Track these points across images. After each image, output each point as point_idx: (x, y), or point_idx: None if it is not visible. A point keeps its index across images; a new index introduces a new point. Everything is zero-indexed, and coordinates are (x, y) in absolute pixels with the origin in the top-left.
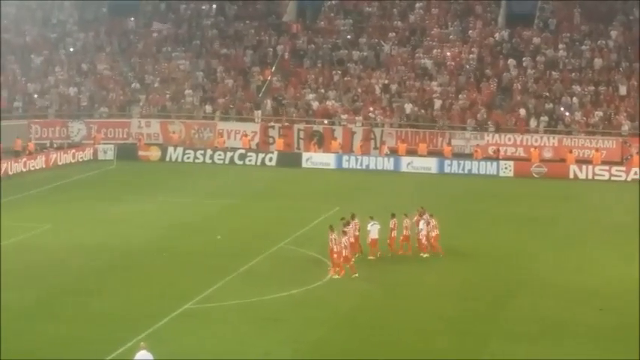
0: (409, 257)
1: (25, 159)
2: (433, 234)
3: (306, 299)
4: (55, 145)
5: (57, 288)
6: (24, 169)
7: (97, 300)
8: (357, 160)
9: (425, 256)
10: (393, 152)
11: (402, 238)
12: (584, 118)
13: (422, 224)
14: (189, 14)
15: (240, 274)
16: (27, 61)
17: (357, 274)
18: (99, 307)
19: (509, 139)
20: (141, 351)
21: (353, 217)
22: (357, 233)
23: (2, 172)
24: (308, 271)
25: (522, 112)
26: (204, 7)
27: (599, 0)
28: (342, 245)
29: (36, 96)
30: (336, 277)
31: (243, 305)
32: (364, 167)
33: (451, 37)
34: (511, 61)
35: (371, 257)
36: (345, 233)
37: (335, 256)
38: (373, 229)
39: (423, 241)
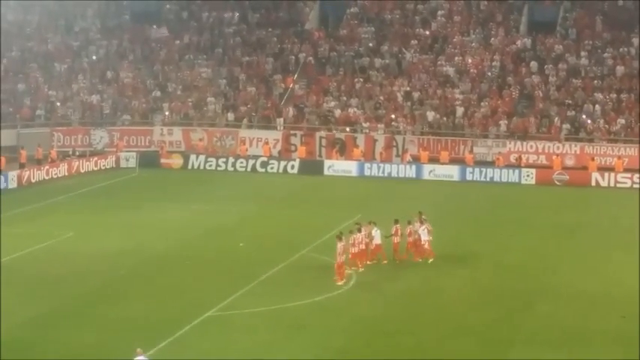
0: (427, 264)
1: (47, 167)
2: (429, 239)
3: (329, 306)
4: (77, 153)
5: (80, 295)
6: (47, 177)
7: (120, 307)
8: (378, 167)
9: (430, 261)
10: (415, 160)
11: (408, 244)
12: (606, 126)
13: (422, 230)
14: (212, 22)
15: (263, 281)
16: (50, 68)
17: (343, 282)
18: (122, 314)
19: (531, 147)
20: (138, 357)
21: (360, 225)
22: (367, 240)
23: (25, 179)
24: (330, 278)
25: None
26: (226, 15)
27: (621, 7)
28: (337, 252)
29: (59, 104)
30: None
31: (266, 312)
32: (386, 175)
33: (473, 44)
34: (533, 69)
35: (370, 262)
36: (339, 239)
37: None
38: (377, 235)
39: (426, 246)
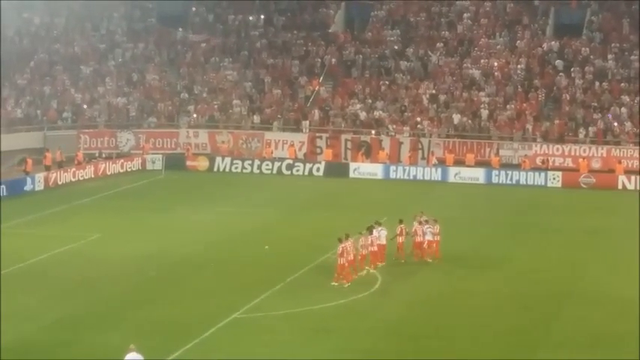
0: (451, 265)
1: (74, 169)
2: (436, 239)
3: (354, 309)
4: (103, 155)
5: (107, 297)
6: (73, 179)
7: (147, 309)
8: (404, 170)
9: (429, 261)
10: (441, 162)
11: (414, 244)
12: (634, 129)
13: (426, 229)
14: (238, 25)
15: (288, 284)
16: (76, 71)
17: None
18: (149, 316)
19: (558, 150)
20: (130, 353)
21: (373, 225)
22: (380, 242)
23: (52, 181)
24: (355, 281)
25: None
26: (252, 18)
27: None
28: (338, 253)
29: (85, 106)
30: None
31: (292, 315)
32: (411, 178)
33: (499, 47)
34: (559, 72)
35: (381, 263)
36: (340, 241)
37: (346, 264)
38: (381, 235)
39: (425, 246)
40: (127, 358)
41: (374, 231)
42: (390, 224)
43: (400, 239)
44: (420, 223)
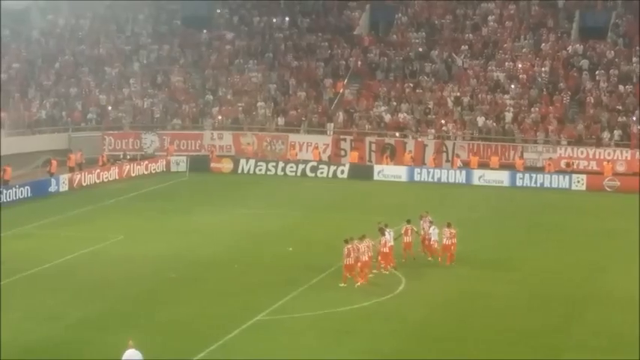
0: (473, 267)
1: (98, 170)
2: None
3: (377, 311)
4: (128, 157)
5: (130, 298)
6: (97, 180)
7: (170, 310)
8: (428, 172)
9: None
10: (465, 165)
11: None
12: None
13: (432, 230)
14: (262, 27)
15: (312, 286)
16: (101, 73)
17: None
18: (172, 318)
19: (582, 153)
20: (129, 350)
21: (383, 227)
22: (390, 244)
23: (76, 182)
24: (379, 283)
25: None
26: (277, 20)
27: None
28: (344, 254)
29: (110, 108)
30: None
31: (315, 317)
32: (436, 180)
33: (524, 49)
34: (584, 75)
35: (390, 265)
36: (346, 242)
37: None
38: (390, 237)
39: (435, 246)
40: (126, 356)
41: (385, 233)
42: (415, 226)
43: (407, 239)
44: (425, 222)
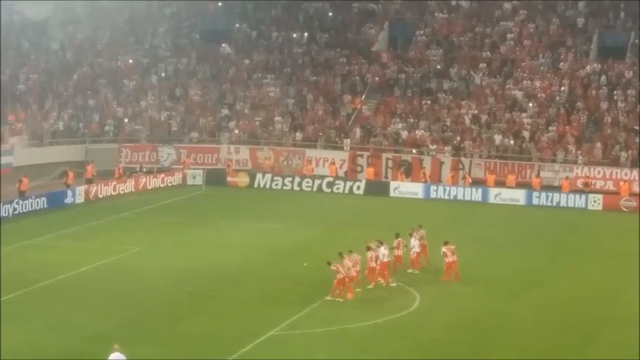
0: (488, 286)
1: (114, 182)
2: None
3: (391, 329)
4: (144, 170)
5: (144, 311)
6: (113, 193)
7: (185, 324)
8: (444, 190)
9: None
10: (481, 183)
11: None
12: None
13: (414, 242)
14: (281, 42)
15: (326, 302)
16: (119, 85)
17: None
18: (185, 331)
19: (599, 172)
20: (114, 353)
21: (380, 243)
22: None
23: (92, 194)
24: (393, 300)
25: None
26: (295, 35)
27: None
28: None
29: (127, 120)
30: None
31: (328, 333)
32: (452, 197)
33: (542, 68)
34: (602, 94)
35: (380, 280)
36: (341, 256)
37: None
38: (384, 253)
39: (414, 257)
40: (110, 358)
41: (381, 248)
42: (432, 244)
43: (398, 252)
44: (414, 237)
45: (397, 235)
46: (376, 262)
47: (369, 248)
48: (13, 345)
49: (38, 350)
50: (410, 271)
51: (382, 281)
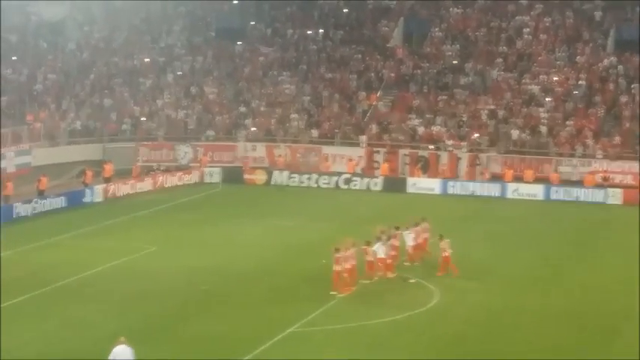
0: (506, 281)
1: (132, 181)
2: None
3: (410, 325)
4: (162, 168)
5: (161, 311)
6: (131, 191)
7: (202, 323)
8: (462, 185)
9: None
10: (499, 178)
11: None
12: None
13: (408, 234)
14: (296, 39)
15: (344, 298)
16: (135, 84)
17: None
18: (204, 331)
19: (618, 166)
20: (119, 345)
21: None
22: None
23: (110, 193)
24: (411, 296)
25: None
26: (310, 32)
27: None
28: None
29: (144, 119)
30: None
31: (347, 330)
32: (469, 193)
33: (559, 62)
34: (620, 87)
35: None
36: (336, 251)
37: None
38: (380, 250)
39: (410, 251)
40: (115, 351)
41: (377, 244)
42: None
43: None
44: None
45: (397, 228)
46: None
47: (368, 243)
48: (28, 343)
49: (53, 349)
50: (407, 263)
51: (384, 274)
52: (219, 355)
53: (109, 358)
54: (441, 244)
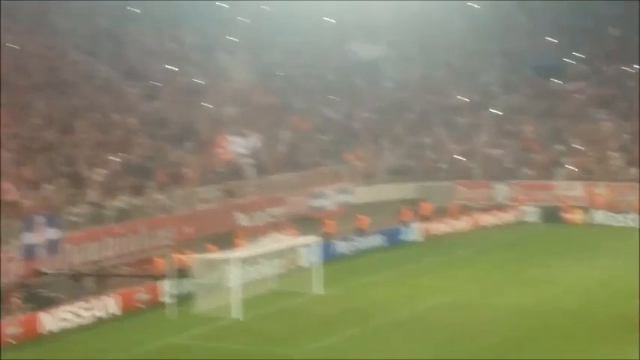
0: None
1: (450, 219)
2: None
3: None
4: (479, 207)
5: (488, 348)
6: (449, 230)
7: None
8: None
9: None
10: None
11: None
12: None
13: None
14: (613, 74)
15: None
16: (452, 122)
17: None
18: None
19: None
20: None
21: None
22: None
23: (426, 231)
24: None
25: None
26: (624, 68)
27: None
28: None
29: (460, 157)
30: None
31: None
32: None
33: None
34: None
35: None
36: None
37: None
38: None
39: None
40: None
41: None
42: None
43: None
44: None
45: None
46: None
47: None
48: None
49: None
50: None
51: None
52: None
53: None
54: None
